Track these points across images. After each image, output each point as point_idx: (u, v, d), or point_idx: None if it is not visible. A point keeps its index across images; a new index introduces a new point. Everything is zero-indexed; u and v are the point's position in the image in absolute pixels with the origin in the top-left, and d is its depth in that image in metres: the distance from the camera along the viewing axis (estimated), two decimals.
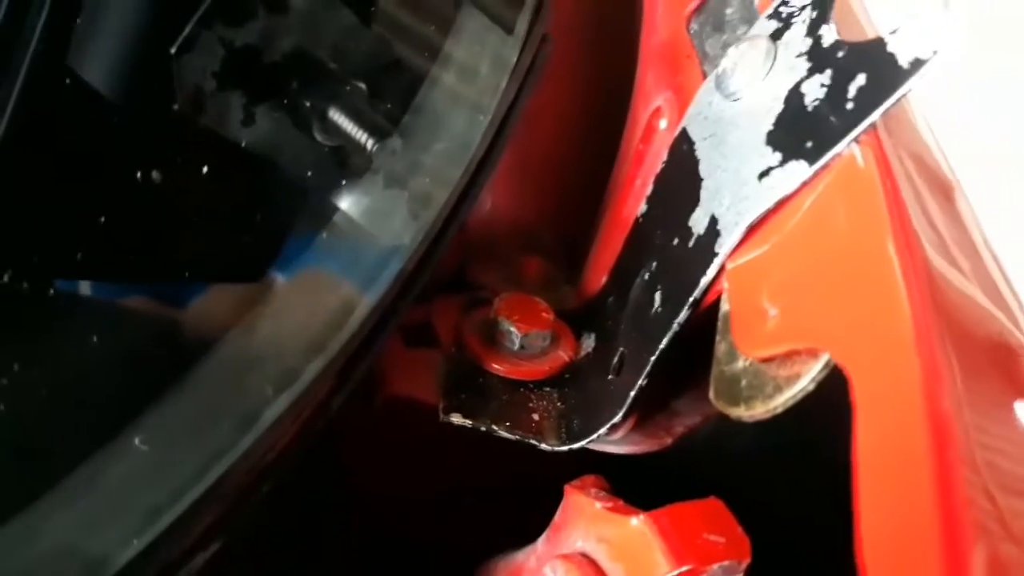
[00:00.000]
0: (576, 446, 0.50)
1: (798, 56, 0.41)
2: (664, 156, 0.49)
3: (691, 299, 0.43)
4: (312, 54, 0.44)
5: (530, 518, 0.48)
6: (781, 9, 0.43)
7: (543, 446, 0.50)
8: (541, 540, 0.47)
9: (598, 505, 0.44)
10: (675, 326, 0.44)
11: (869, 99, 0.37)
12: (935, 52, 0.35)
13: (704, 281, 0.42)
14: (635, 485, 0.46)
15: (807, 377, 0.36)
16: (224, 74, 0.40)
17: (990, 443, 0.34)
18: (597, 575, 0.42)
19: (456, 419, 0.51)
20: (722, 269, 0.42)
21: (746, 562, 0.41)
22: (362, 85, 0.46)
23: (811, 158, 0.38)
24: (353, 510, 0.62)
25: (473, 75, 0.52)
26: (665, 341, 0.44)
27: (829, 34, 0.40)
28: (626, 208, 0.59)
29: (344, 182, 0.47)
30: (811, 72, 0.40)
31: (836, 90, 0.38)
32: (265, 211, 0.44)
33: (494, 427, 0.51)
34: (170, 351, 0.40)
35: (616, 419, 0.47)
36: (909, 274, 0.34)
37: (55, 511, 0.34)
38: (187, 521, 0.36)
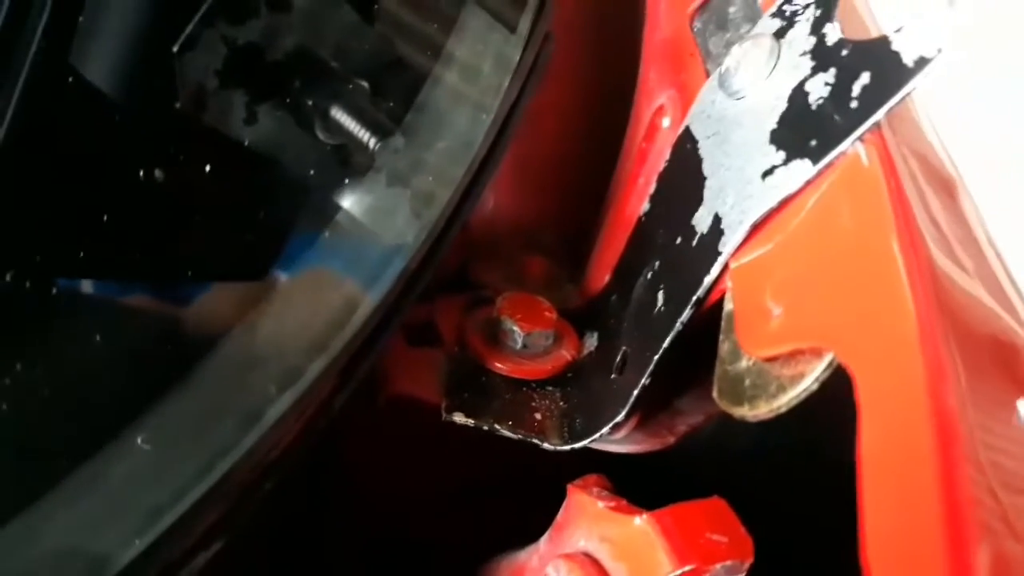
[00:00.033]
0: (579, 445, 0.50)
1: (802, 54, 0.41)
2: (667, 155, 0.49)
3: (694, 298, 0.43)
4: (314, 52, 0.44)
5: (532, 517, 0.48)
6: (785, 7, 0.43)
7: (545, 445, 0.50)
8: (544, 539, 0.47)
9: (601, 504, 0.44)
10: (678, 325, 0.44)
11: (873, 98, 0.37)
12: (940, 50, 0.35)
13: (707, 280, 0.42)
14: (638, 484, 0.46)
15: (811, 376, 0.36)
16: (226, 72, 0.40)
17: (994, 442, 0.34)
18: (600, 575, 0.42)
19: (458, 418, 0.51)
20: (725, 268, 0.42)
21: (749, 562, 0.41)
22: (364, 83, 0.46)
23: (815, 157, 0.38)
24: (356, 509, 0.62)
25: (476, 74, 0.52)
26: (668, 340, 0.44)
27: (833, 32, 0.40)
28: (629, 207, 0.59)
29: (347, 181, 0.47)
30: (815, 71, 0.40)
31: (840, 89, 0.38)
32: (268, 210, 0.44)
33: (496, 426, 0.51)
34: (172, 350, 0.40)
35: (619, 418, 0.47)
36: (913, 273, 0.34)
37: (57, 511, 0.34)
38: (189, 521, 0.36)
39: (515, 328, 0.55)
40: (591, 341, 0.57)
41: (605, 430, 0.48)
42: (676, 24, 0.56)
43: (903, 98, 0.36)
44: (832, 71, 0.39)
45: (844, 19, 0.40)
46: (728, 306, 0.41)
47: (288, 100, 0.43)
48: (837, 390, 0.34)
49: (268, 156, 0.43)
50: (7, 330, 0.35)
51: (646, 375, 0.45)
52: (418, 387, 0.55)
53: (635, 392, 0.45)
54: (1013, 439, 0.36)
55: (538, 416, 0.52)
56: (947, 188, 0.50)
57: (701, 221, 0.44)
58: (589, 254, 0.63)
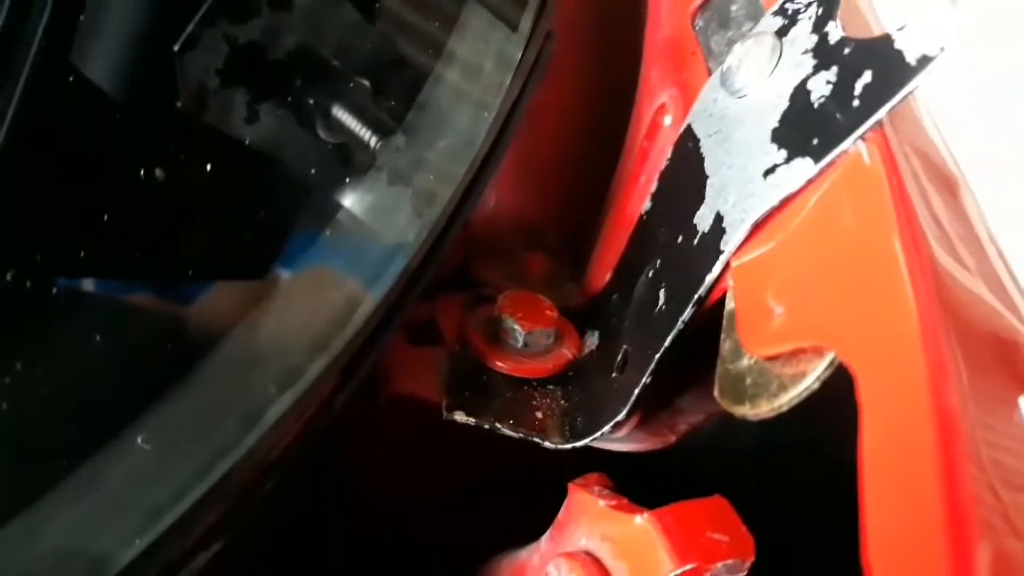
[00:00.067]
0: (580, 444, 0.50)
1: (804, 53, 0.41)
2: (669, 153, 0.49)
3: (696, 297, 0.43)
4: (316, 51, 0.44)
5: (534, 516, 0.48)
6: (787, 5, 0.43)
7: (547, 444, 0.50)
8: (545, 538, 0.47)
9: (602, 503, 0.44)
10: (679, 324, 0.43)
11: (876, 96, 0.37)
12: (943, 49, 0.35)
13: (709, 279, 0.42)
14: (639, 483, 0.46)
15: (812, 376, 0.36)
16: (228, 71, 0.40)
17: (995, 439, 0.34)
18: (601, 573, 0.42)
19: (460, 417, 0.51)
20: (727, 267, 0.42)
21: (750, 561, 0.41)
22: (366, 82, 0.46)
23: (817, 155, 0.38)
24: (356, 508, 0.61)
25: (477, 72, 0.52)
26: (669, 339, 0.44)
27: (835, 31, 0.40)
28: (630, 205, 0.58)
29: (348, 179, 0.47)
30: (817, 69, 0.40)
31: (842, 87, 0.38)
32: (269, 208, 0.44)
33: (498, 425, 0.51)
34: (172, 349, 0.40)
35: (620, 417, 0.47)
36: (915, 272, 0.34)
37: (57, 511, 0.34)
38: (189, 520, 0.36)
39: (516, 327, 0.55)
40: (592, 340, 0.57)
41: (606, 429, 0.48)
42: (678, 22, 0.56)
43: (905, 97, 0.36)
44: (834, 69, 0.39)
45: (846, 17, 0.40)
46: (730, 305, 0.41)
47: (289, 99, 0.43)
48: (838, 389, 0.34)
49: (269, 155, 0.43)
50: (7, 329, 0.35)
51: (647, 374, 0.45)
52: (419, 386, 0.55)
53: (636, 391, 0.45)
54: (1014, 437, 0.36)
55: (539, 415, 0.52)
56: (949, 186, 0.50)
57: (703, 220, 0.44)
58: (590, 252, 0.63)
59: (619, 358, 0.50)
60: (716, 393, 0.40)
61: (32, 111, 0.34)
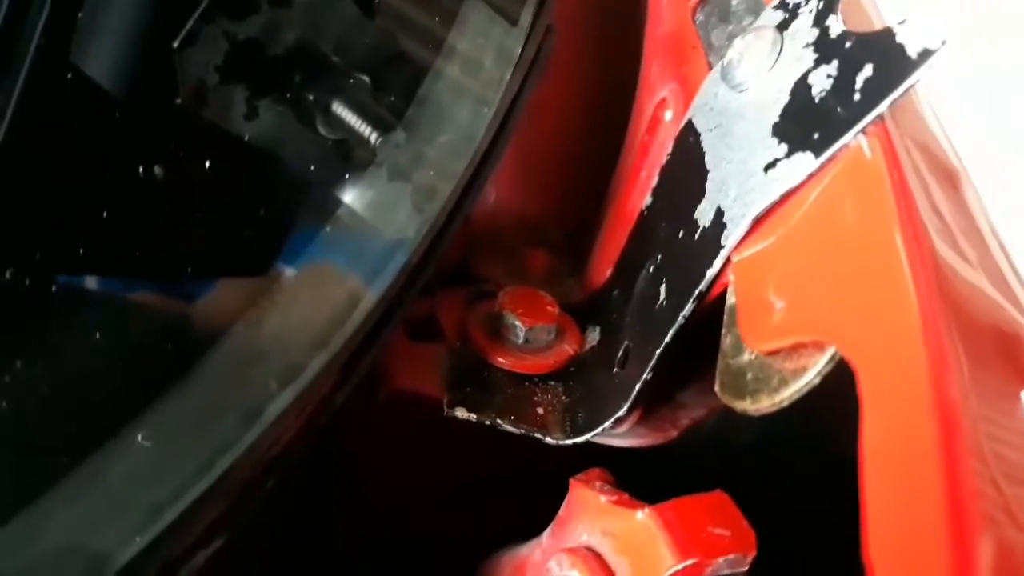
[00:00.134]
0: (581, 440, 0.50)
1: (805, 47, 0.41)
2: (669, 148, 0.49)
3: (696, 292, 0.43)
4: (315, 47, 0.44)
5: (535, 512, 0.48)
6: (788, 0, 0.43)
7: (548, 440, 0.50)
8: (546, 534, 0.47)
9: (603, 499, 0.44)
10: (680, 319, 0.43)
11: (877, 90, 0.37)
12: (944, 42, 0.35)
13: (710, 274, 0.42)
14: (640, 479, 0.46)
15: (813, 370, 0.36)
16: (227, 68, 0.40)
17: (997, 433, 0.34)
18: (602, 569, 0.42)
19: (460, 413, 0.51)
20: (728, 261, 0.42)
21: (751, 555, 0.41)
22: (365, 78, 0.46)
23: (818, 150, 0.38)
24: (357, 505, 0.62)
25: (477, 67, 0.52)
26: (670, 334, 0.44)
27: (836, 25, 0.40)
28: (631, 200, 0.58)
29: (348, 175, 0.47)
30: (818, 63, 0.40)
31: (843, 81, 0.38)
32: (269, 205, 0.44)
33: (499, 421, 0.51)
34: (172, 346, 0.40)
35: (621, 412, 0.47)
36: (916, 266, 0.34)
37: (57, 509, 0.34)
38: (190, 518, 0.36)
39: (517, 322, 0.55)
40: (593, 335, 0.57)
41: (607, 424, 0.48)
42: (678, 17, 0.55)
43: (906, 90, 0.36)
44: (835, 63, 0.39)
45: (847, 11, 0.40)
46: (730, 300, 0.41)
47: (289, 95, 0.43)
48: (839, 384, 0.34)
49: (269, 151, 0.43)
50: (7, 328, 0.35)
51: (648, 369, 0.45)
52: (420, 382, 0.55)
53: (637, 386, 0.45)
54: (1016, 430, 0.36)
55: (540, 410, 0.52)
56: (950, 179, 0.50)
57: (703, 214, 0.44)
58: (591, 248, 0.63)
59: (620, 354, 0.50)
60: (717, 388, 0.40)
61: (31, 108, 0.34)
